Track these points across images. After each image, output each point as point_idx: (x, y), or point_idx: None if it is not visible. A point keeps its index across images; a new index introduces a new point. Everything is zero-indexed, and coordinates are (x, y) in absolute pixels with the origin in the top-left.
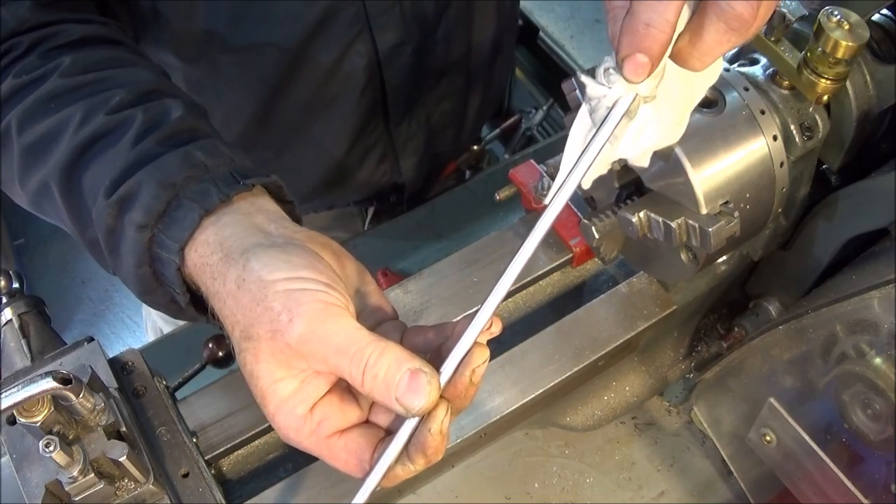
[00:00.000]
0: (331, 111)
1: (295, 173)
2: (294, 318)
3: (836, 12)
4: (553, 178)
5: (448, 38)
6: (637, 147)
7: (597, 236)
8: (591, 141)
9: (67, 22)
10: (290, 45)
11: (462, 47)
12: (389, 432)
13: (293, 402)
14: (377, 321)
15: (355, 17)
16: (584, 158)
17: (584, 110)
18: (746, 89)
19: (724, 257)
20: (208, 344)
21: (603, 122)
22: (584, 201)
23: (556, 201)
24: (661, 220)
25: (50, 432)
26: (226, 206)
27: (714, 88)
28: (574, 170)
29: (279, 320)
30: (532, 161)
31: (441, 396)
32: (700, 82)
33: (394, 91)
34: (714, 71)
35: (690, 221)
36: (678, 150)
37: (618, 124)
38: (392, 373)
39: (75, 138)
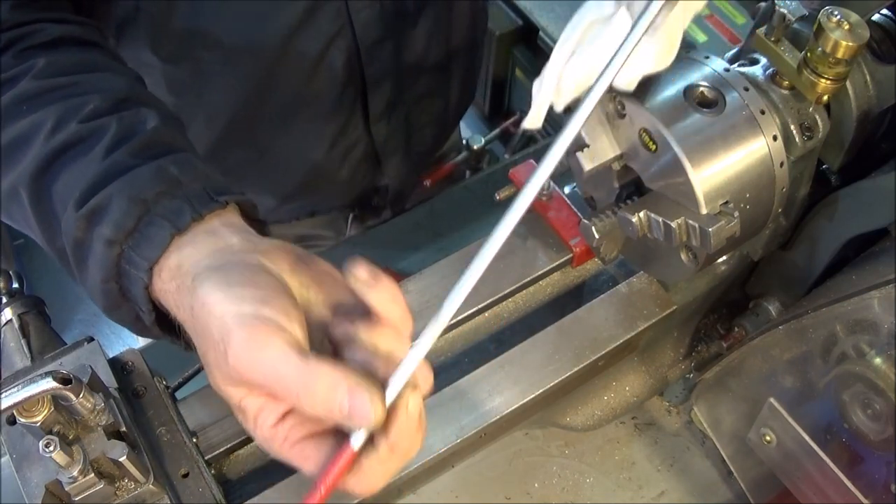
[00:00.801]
0: (312, 109)
1: (277, 172)
2: (227, 348)
3: (836, 12)
4: (553, 178)
5: (427, 36)
6: (629, 71)
7: (597, 236)
8: (635, 24)
9: (43, 21)
10: (273, 41)
11: (441, 46)
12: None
13: (263, 417)
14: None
15: (336, 12)
16: (627, 44)
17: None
18: (746, 89)
19: (724, 257)
20: None
21: (645, 8)
22: (584, 201)
23: (595, 92)
24: (661, 220)
25: (50, 432)
26: (196, 224)
27: (714, 88)
28: (616, 56)
29: (219, 350)
30: (532, 161)
31: (412, 384)
32: (691, 6)
33: (374, 87)
34: None
35: (690, 221)
36: (678, 150)
37: (659, 12)
38: (330, 398)
39: (46, 146)
